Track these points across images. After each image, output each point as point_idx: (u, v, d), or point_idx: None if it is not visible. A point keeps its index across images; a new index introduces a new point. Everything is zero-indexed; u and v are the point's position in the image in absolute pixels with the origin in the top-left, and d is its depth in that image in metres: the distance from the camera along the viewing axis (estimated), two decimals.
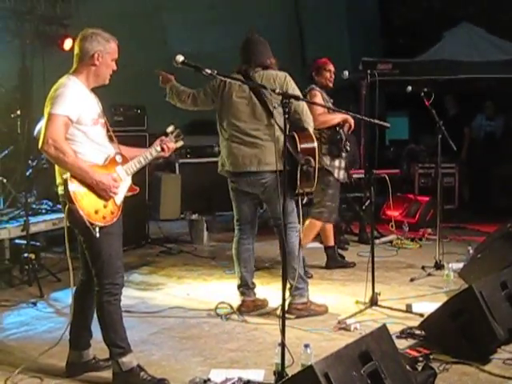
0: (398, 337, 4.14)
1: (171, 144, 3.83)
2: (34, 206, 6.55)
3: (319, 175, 5.93)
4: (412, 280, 5.78)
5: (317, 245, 6.80)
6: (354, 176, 7.22)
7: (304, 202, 4.66)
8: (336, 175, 5.97)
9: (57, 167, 3.47)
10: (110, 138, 3.67)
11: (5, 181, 6.32)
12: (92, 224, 3.36)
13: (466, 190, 10.05)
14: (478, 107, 10.57)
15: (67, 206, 3.38)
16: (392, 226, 7.76)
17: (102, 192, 3.40)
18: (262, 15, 11.26)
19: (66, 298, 5.06)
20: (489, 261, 5.25)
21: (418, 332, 4.20)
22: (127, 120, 7.29)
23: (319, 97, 5.87)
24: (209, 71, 3.42)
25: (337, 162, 5.97)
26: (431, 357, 3.77)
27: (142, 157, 3.70)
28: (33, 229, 5.93)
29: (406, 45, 11.96)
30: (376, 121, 4.75)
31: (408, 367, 3.33)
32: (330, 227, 6.29)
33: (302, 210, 4.74)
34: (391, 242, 7.47)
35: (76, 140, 3.41)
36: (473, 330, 3.82)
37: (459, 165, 9.70)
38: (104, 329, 3.56)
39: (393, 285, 5.66)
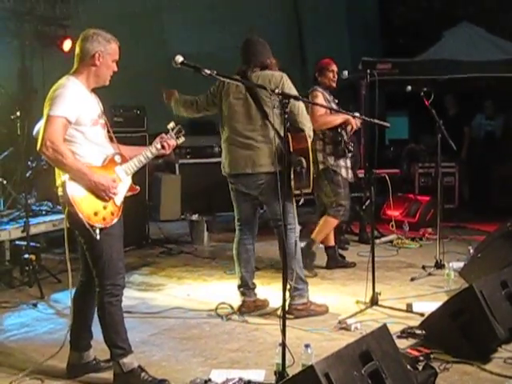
0: (398, 336, 4.14)
1: (172, 141, 3.78)
2: (34, 207, 6.55)
3: (326, 175, 5.98)
4: (412, 280, 5.78)
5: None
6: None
7: (300, 203, 4.66)
8: (344, 174, 5.98)
9: (56, 169, 3.47)
10: (110, 139, 3.66)
11: (5, 182, 6.33)
12: (92, 226, 3.35)
13: (466, 189, 10.05)
14: (478, 107, 10.58)
15: (66, 209, 3.38)
16: (392, 226, 7.76)
17: (101, 193, 3.39)
18: (261, 15, 11.28)
19: (66, 299, 5.02)
20: (489, 260, 5.25)
21: (418, 331, 4.19)
22: (127, 121, 7.29)
23: (320, 97, 5.87)
24: (208, 71, 3.41)
25: (342, 162, 5.97)
26: (432, 356, 3.77)
27: (142, 156, 3.68)
28: (33, 230, 5.93)
29: (406, 45, 11.96)
30: (376, 120, 4.75)
31: (409, 367, 3.33)
32: None
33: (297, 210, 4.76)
34: (391, 241, 7.47)
35: (75, 141, 3.40)
36: (473, 329, 3.82)
37: (459, 164, 9.70)
38: (105, 330, 3.56)
39: (393, 284, 5.65)
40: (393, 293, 5.34)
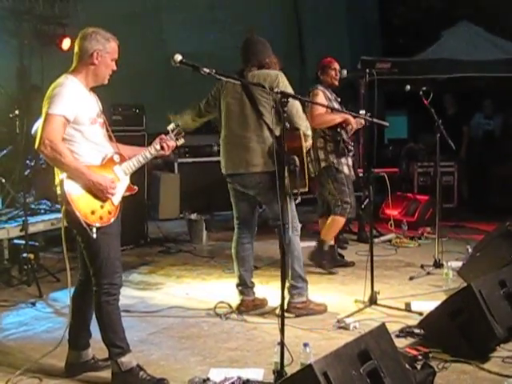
0: (397, 335, 4.14)
1: (171, 142, 3.77)
2: (32, 206, 6.54)
3: (328, 173, 5.98)
4: (411, 279, 5.78)
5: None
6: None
7: (296, 202, 4.66)
8: (347, 172, 5.98)
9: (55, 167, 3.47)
10: (110, 138, 3.66)
11: (3, 181, 6.32)
12: (89, 225, 3.35)
13: (464, 188, 10.06)
14: (477, 106, 10.57)
15: (64, 207, 3.37)
16: (391, 225, 7.76)
17: (98, 193, 3.39)
18: (261, 15, 11.29)
19: (65, 298, 5.05)
20: (488, 259, 5.25)
21: (417, 331, 4.20)
22: (126, 119, 7.29)
23: (321, 96, 5.87)
24: (207, 70, 3.41)
25: (343, 160, 5.97)
26: (430, 355, 3.77)
27: (141, 156, 3.67)
28: (31, 229, 5.92)
29: (406, 45, 11.96)
30: (375, 120, 4.75)
31: (407, 366, 3.33)
32: None
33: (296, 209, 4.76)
34: (390, 240, 7.47)
35: (73, 140, 3.40)
36: (472, 328, 3.83)
37: (458, 163, 9.70)
38: (103, 329, 3.56)
39: (392, 284, 5.66)
40: (391, 292, 5.34)
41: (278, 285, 3.57)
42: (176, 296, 5.43)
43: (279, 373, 3.39)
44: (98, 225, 3.39)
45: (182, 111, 5.01)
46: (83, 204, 3.35)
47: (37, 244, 6.37)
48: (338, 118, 5.85)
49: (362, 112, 5.42)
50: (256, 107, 4.58)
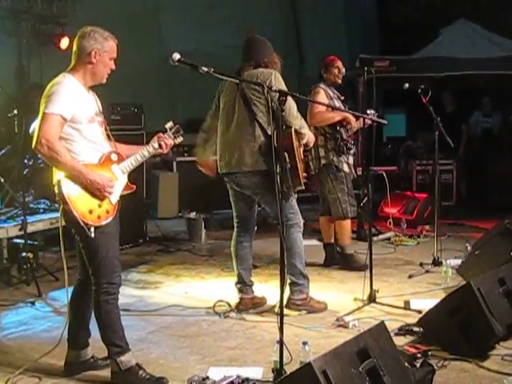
0: (396, 334, 4.14)
1: (169, 140, 3.75)
2: (31, 205, 6.54)
3: (328, 171, 5.97)
4: (410, 277, 5.78)
5: (315, 242, 6.82)
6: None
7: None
8: (347, 170, 5.98)
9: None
10: (108, 137, 3.65)
11: (2, 180, 6.32)
12: (86, 224, 3.35)
13: (463, 186, 10.06)
14: (476, 104, 10.57)
15: (62, 206, 3.37)
16: (390, 223, 7.76)
17: (96, 192, 3.38)
18: (259, 15, 11.29)
19: (64, 297, 4.99)
20: (487, 257, 5.25)
21: (416, 329, 4.20)
22: (124, 119, 7.27)
23: (322, 94, 5.87)
24: (205, 69, 3.40)
25: (343, 158, 5.96)
26: (429, 353, 3.77)
27: (138, 154, 3.66)
28: (30, 228, 5.92)
29: (404, 43, 11.96)
30: (374, 118, 4.75)
31: (406, 364, 3.33)
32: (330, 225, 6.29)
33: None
34: (389, 239, 7.46)
35: (71, 139, 3.39)
36: (471, 326, 3.83)
37: (457, 161, 9.70)
38: (102, 328, 3.56)
39: (391, 282, 5.66)
40: (390, 290, 5.35)
41: (277, 283, 3.58)
42: (175, 295, 5.42)
43: (278, 371, 3.39)
44: (95, 224, 3.38)
45: (200, 139, 5.10)
46: (81, 203, 3.35)
47: (36, 243, 6.36)
48: (337, 117, 5.85)
49: (371, 112, 5.39)
50: (249, 106, 4.58)
